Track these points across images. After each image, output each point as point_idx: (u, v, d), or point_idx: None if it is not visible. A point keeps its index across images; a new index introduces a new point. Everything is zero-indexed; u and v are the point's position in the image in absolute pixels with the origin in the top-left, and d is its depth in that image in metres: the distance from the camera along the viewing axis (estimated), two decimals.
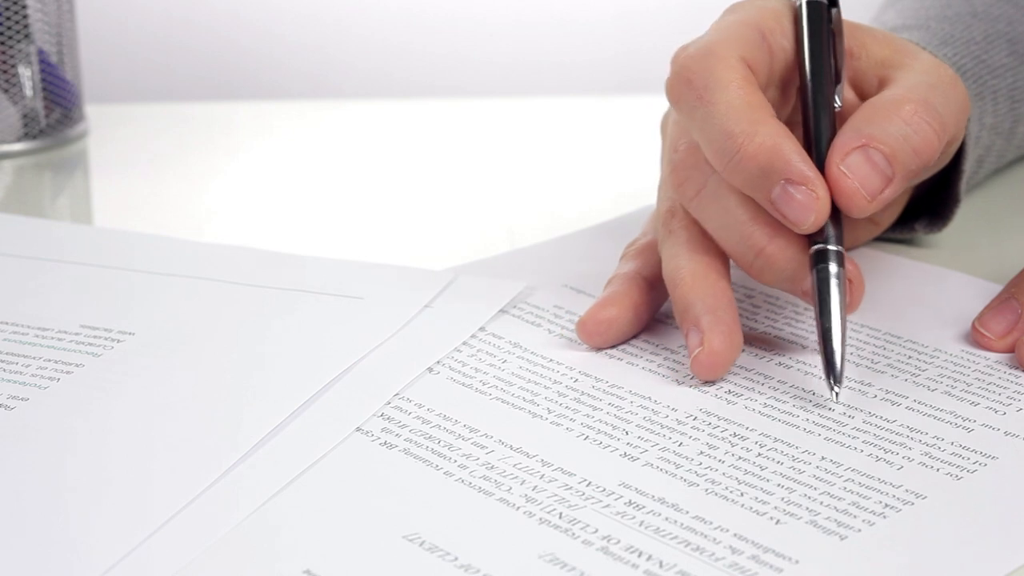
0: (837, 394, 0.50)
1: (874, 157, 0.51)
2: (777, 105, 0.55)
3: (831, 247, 0.51)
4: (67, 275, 0.62)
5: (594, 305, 0.55)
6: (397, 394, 0.51)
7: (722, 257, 0.54)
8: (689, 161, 0.54)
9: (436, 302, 0.58)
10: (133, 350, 0.55)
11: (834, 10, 0.55)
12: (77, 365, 0.53)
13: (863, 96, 0.56)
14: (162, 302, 0.59)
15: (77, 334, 0.56)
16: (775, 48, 0.54)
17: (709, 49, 0.53)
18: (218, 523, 0.44)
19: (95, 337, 0.55)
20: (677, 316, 0.53)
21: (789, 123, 0.54)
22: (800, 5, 0.55)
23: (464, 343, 0.55)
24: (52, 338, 0.55)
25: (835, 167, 0.51)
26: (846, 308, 0.51)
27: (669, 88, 0.53)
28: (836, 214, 0.52)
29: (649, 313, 0.56)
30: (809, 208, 0.51)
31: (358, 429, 0.49)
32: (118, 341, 0.55)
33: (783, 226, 0.52)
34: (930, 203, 0.63)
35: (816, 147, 0.53)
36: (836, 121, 0.54)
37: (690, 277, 0.53)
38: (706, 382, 0.52)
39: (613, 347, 0.55)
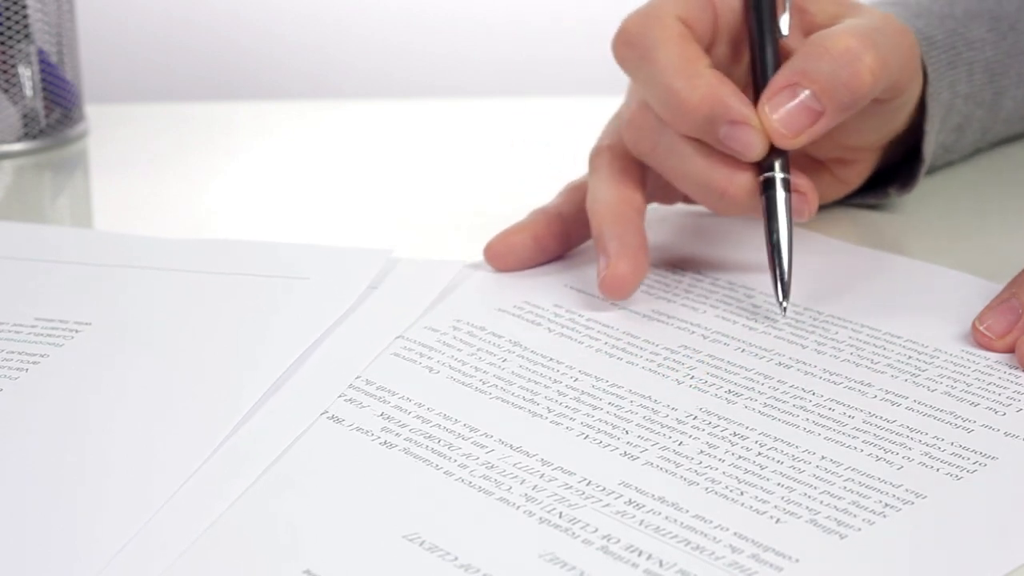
0: (785, 308, 0.55)
1: (801, 95, 0.56)
2: (728, 61, 0.60)
3: (777, 175, 0.56)
4: (16, 271, 0.63)
5: (503, 231, 0.61)
6: (371, 382, 0.52)
7: (638, 192, 0.59)
8: (639, 119, 0.59)
9: (381, 283, 0.60)
10: (93, 339, 0.55)
11: None
12: (42, 355, 0.54)
13: None
14: (110, 293, 0.60)
15: (33, 327, 0.56)
16: (721, 6, 0.59)
17: (648, 11, 0.58)
18: (205, 514, 0.44)
19: (52, 328, 0.56)
20: (594, 244, 0.58)
21: (742, 80, 0.59)
22: None
23: (463, 342, 0.55)
24: (9, 331, 0.56)
25: (763, 107, 0.56)
26: (793, 223, 0.56)
27: (614, 50, 0.58)
28: None
29: (556, 245, 0.62)
30: (752, 141, 0.56)
31: (358, 429, 0.49)
32: (76, 332, 0.56)
33: (736, 164, 0.57)
34: (902, 170, 0.67)
35: (763, 83, 0.58)
36: (780, 55, 0.59)
37: (604, 208, 0.58)
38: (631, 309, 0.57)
39: (515, 271, 0.61)
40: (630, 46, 0.57)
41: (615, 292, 0.57)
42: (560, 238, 0.62)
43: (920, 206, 0.69)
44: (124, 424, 0.49)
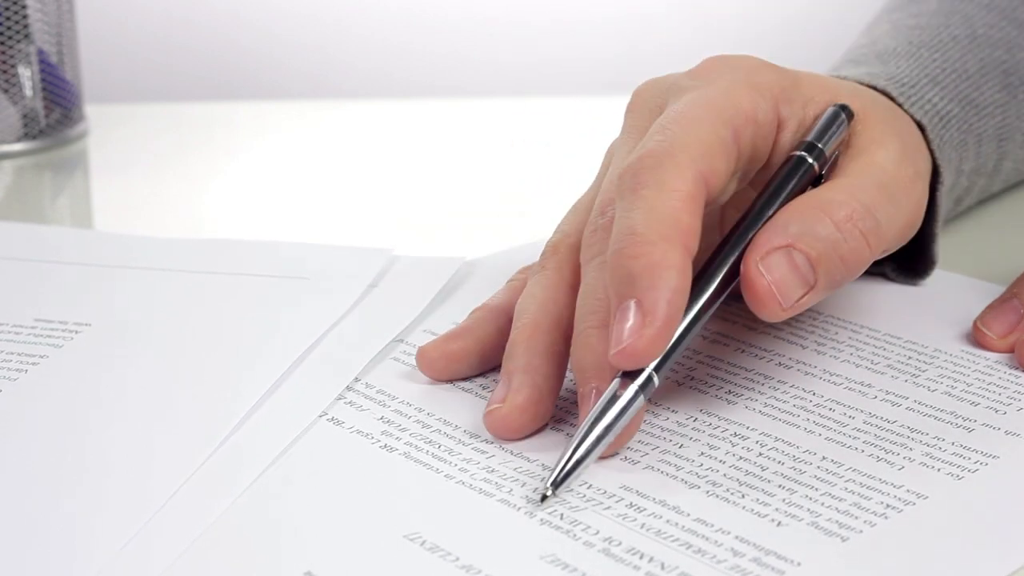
0: (543, 496, 0.45)
1: (797, 260, 0.48)
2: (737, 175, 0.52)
3: (647, 368, 0.46)
4: (15, 271, 0.63)
5: (442, 336, 0.53)
6: (371, 386, 0.52)
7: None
8: (601, 234, 0.50)
9: (381, 281, 0.60)
10: (93, 341, 0.55)
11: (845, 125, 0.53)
12: (41, 356, 0.54)
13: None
14: (110, 294, 0.60)
15: (33, 327, 0.56)
16: (744, 141, 0.50)
17: (671, 153, 0.48)
18: (204, 514, 0.44)
19: (52, 329, 0.56)
20: (504, 359, 0.50)
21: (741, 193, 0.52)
22: (793, 157, 0.52)
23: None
24: (9, 332, 0.56)
25: (753, 266, 0.47)
26: (613, 434, 0.45)
27: (621, 173, 0.48)
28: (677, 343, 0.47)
29: (501, 350, 0.51)
30: (625, 337, 0.45)
31: (358, 432, 0.49)
32: (76, 332, 0.56)
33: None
34: (906, 252, 0.60)
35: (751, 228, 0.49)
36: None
37: (531, 325, 0.50)
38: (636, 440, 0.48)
39: (456, 381, 0.52)
40: (635, 178, 0.48)
41: (497, 429, 0.48)
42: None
43: None
44: (124, 424, 0.49)
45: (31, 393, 0.51)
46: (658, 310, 0.45)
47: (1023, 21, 0.68)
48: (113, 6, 1.05)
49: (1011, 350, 0.54)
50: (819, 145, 0.52)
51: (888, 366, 0.53)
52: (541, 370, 0.49)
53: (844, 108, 0.53)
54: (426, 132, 0.87)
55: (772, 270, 0.47)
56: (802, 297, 0.48)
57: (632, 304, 0.45)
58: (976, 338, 0.55)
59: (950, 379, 0.52)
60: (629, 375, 0.46)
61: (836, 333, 0.56)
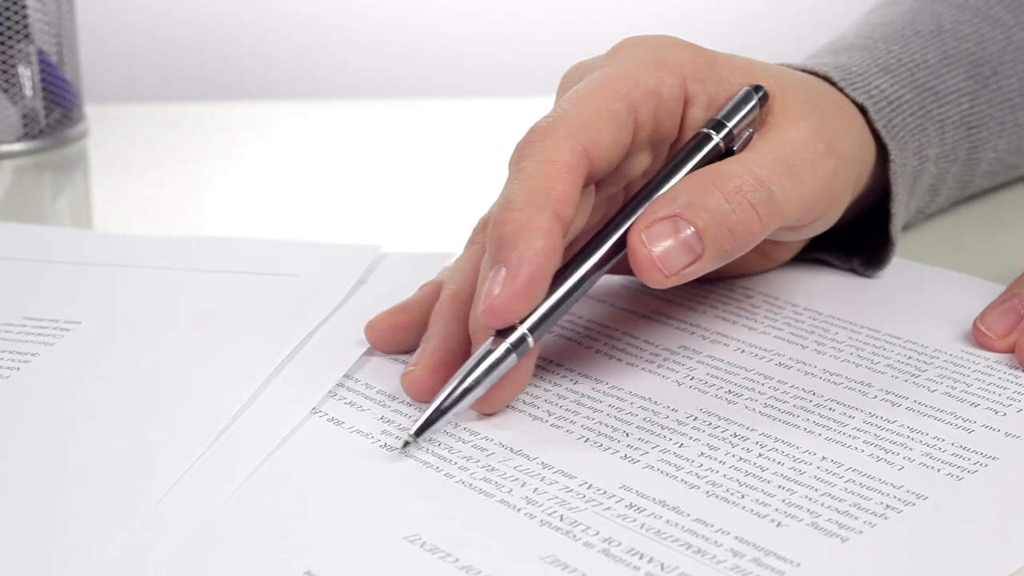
0: (406, 443, 0.47)
1: (683, 230, 0.49)
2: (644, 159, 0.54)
3: (520, 328, 0.48)
4: (15, 271, 0.63)
5: (389, 309, 0.55)
6: (371, 386, 0.52)
7: None
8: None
9: (369, 277, 0.60)
10: (83, 339, 0.55)
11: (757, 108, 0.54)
12: (33, 354, 0.54)
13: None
14: (102, 292, 0.60)
15: (23, 326, 0.56)
16: (643, 115, 0.52)
17: (553, 128, 0.50)
18: (197, 516, 0.44)
19: (42, 328, 0.56)
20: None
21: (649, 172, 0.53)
22: (699, 134, 0.53)
23: None
24: (0, 330, 0.56)
25: (636, 234, 0.49)
26: (483, 388, 0.48)
27: (513, 150, 0.51)
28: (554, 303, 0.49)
29: None
30: (491, 295, 0.48)
31: (358, 432, 0.49)
32: (66, 331, 0.56)
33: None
34: (870, 241, 0.61)
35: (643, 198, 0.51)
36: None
37: (452, 294, 0.53)
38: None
39: (401, 352, 0.54)
40: (520, 151, 0.50)
41: (409, 389, 0.51)
42: None
43: None
44: (117, 422, 0.49)
45: (23, 391, 0.51)
46: (520, 270, 0.48)
47: (996, 18, 0.68)
48: (113, 6, 1.05)
49: (1011, 350, 0.54)
50: (726, 123, 0.53)
51: (888, 366, 0.53)
52: (456, 336, 0.51)
53: (757, 88, 0.54)
54: (426, 132, 0.87)
55: (655, 239, 0.49)
56: (688, 266, 0.49)
57: (500, 268, 0.48)
58: (976, 338, 0.55)
59: (950, 379, 0.52)
60: (503, 334, 0.48)
61: (836, 333, 0.56)
